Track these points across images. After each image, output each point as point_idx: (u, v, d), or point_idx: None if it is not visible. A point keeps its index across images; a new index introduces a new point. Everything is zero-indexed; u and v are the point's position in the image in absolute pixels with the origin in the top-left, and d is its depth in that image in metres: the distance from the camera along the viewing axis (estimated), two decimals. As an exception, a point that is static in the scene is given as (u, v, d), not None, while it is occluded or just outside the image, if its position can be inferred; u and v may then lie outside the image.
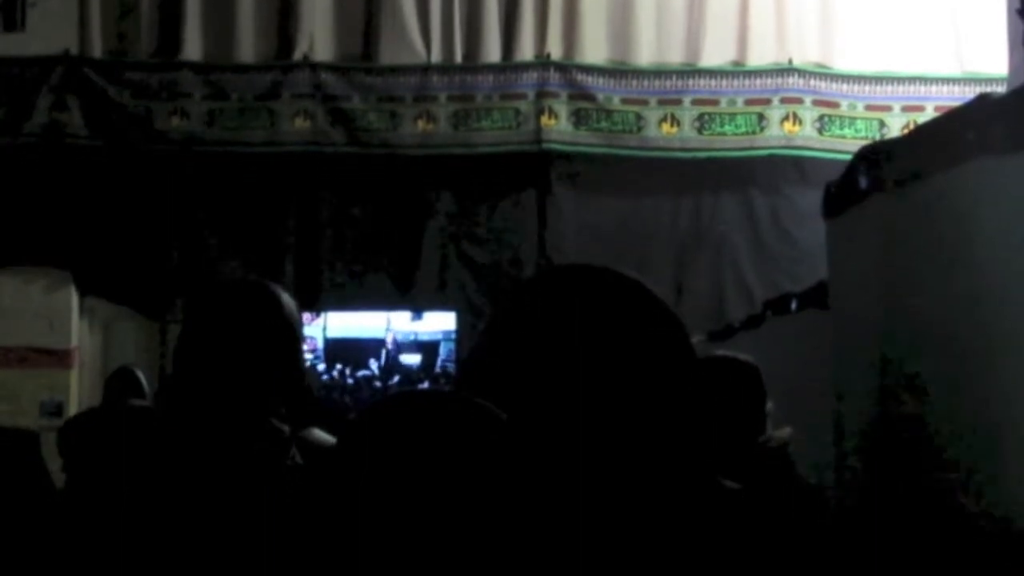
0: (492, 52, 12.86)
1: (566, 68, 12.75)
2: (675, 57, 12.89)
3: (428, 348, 12.92)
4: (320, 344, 13.03)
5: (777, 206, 12.57)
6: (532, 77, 12.74)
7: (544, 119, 12.66)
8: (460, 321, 12.38)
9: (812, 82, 12.73)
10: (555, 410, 1.98)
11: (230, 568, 2.72)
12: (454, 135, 12.67)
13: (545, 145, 12.62)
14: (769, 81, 12.72)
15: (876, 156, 6.42)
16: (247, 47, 12.83)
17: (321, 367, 12.81)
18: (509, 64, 12.82)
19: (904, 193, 5.86)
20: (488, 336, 2.11)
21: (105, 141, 12.45)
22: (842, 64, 12.81)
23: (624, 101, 12.71)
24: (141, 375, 8.45)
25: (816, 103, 12.71)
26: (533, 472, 1.95)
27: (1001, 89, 9.17)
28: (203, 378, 2.91)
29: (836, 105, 12.72)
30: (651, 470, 2.00)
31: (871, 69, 12.75)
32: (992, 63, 11.70)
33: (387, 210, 12.57)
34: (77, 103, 12.48)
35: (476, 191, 12.62)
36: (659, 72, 12.78)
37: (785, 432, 4.49)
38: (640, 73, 12.77)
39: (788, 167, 12.58)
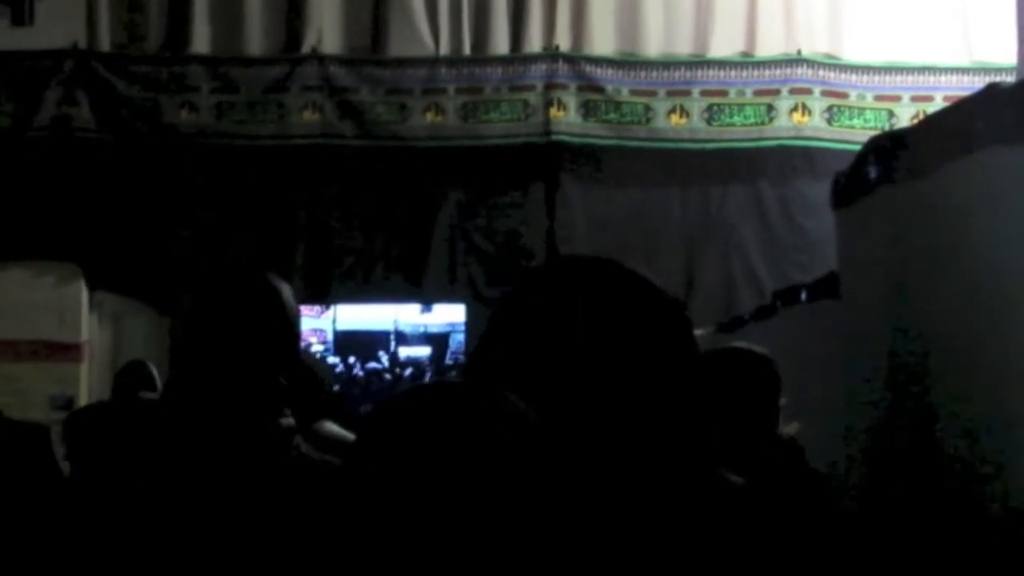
0: (501, 44, 12.86)
1: (575, 60, 12.74)
2: (684, 48, 12.88)
3: (438, 340, 12.93)
4: (330, 337, 13.05)
5: (786, 197, 12.55)
6: (541, 69, 12.74)
7: (553, 111, 12.65)
8: (469, 313, 12.38)
9: (821, 72, 12.71)
10: (557, 403, 1.98)
11: (233, 562, 2.72)
12: (463, 127, 12.67)
13: (554, 137, 12.62)
14: (778, 72, 12.71)
15: (885, 146, 6.41)
16: (255, 40, 12.84)
17: (332, 359, 12.83)
18: (518, 56, 12.82)
19: (913, 183, 5.85)
20: (491, 329, 2.11)
21: (114, 135, 12.46)
22: (851, 54, 12.79)
23: (633, 92, 12.71)
24: (153, 369, 8.45)
25: (825, 93, 12.69)
26: (538, 466, 1.95)
27: (1010, 79, 9.15)
28: (204, 372, 2.90)
29: (845, 95, 12.71)
30: (653, 463, 2.01)
31: (880, 59, 12.74)
32: (1001, 52, 11.68)
33: (396, 202, 12.58)
34: (86, 97, 12.49)
35: (485, 183, 12.61)
36: (668, 63, 12.77)
37: (793, 428, 4.49)
38: (649, 64, 12.76)
39: (797, 158, 12.57)
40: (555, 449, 1.96)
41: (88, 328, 12.27)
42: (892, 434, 6.02)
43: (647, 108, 12.68)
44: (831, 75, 12.72)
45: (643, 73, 12.74)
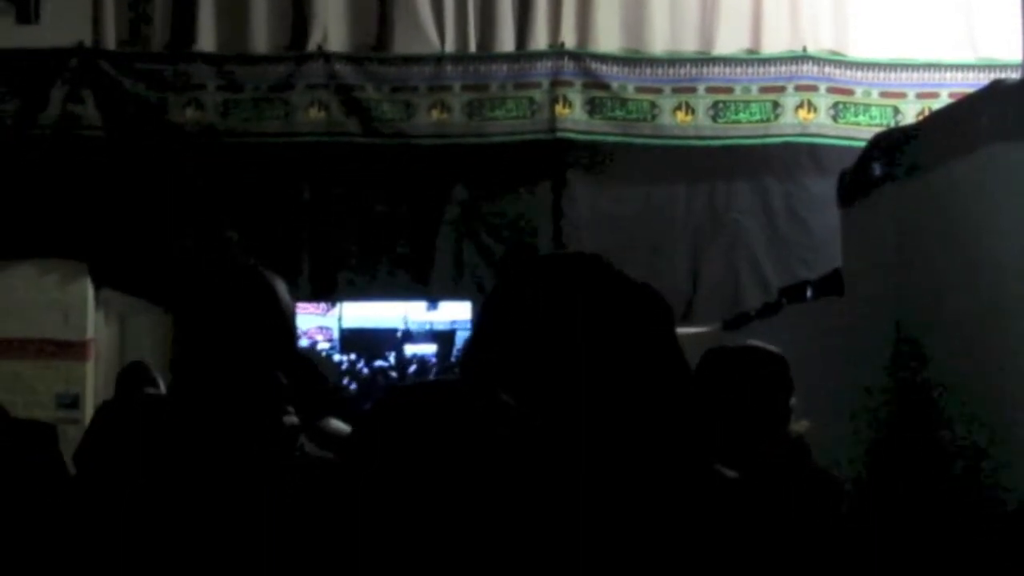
0: (506, 41, 12.85)
1: (580, 57, 12.73)
2: (689, 45, 12.87)
3: (444, 338, 12.94)
4: (336, 335, 13.05)
5: (792, 194, 12.54)
6: (546, 66, 12.73)
7: (558, 108, 12.65)
8: (475, 310, 12.38)
9: (826, 69, 12.70)
10: (547, 400, 1.98)
11: (236, 561, 2.73)
12: (468, 124, 12.66)
13: (560, 134, 12.61)
14: (783, 68, 12.70)
15: (891, 143, 6.41)
16: (261, 38, 12.84)
17: (338, 357, 12.83)
18: (523, 53, 12.81)
19: (919, 180, 5.86)
20: (480, 328, 2.11)
21: (119, 133, 12.46)
22: (856, 51, 12.78)
23: (638, 89, 12.70)
24: (153, 369, 8.44)
25: (830, 90, 12.68)
26: (526, 463, 1.96)
27: (1015, 75, 9.15)
28: (201, 370, 2.90)
29: (851, 92, 12.70)
30: (639, 457, 2.01)
31: (885, 56, 12.73)
32: (1006, 49, 11.67)
33: (402, 200, 12.57)
34: (91, 95, 12.49)
35: (491, 180, 12.60)
36: (673, 60, 12.76)
37: (802, 426, 4.49)
38: (654, 61, 12.75)
39: (803, 154, 12.56)
40: (550, 447, 1.96)
41: (94, 326, 12.27)
42: (896, 429, 6.02)
43: (653, 105, 12.67)
44: (837, 72, 12.71)
45: (649, 70, 12.73)
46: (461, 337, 12.71)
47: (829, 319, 7.33)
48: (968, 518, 5.14)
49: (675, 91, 12.69)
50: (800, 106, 12.64)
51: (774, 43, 12.76)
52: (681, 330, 2.20)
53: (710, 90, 12.69)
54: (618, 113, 12.66)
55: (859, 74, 12.71)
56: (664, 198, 12.63)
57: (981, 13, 12.61)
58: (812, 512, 4.07)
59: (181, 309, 3.01)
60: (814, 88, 12.67)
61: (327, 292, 12.60)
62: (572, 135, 12.62)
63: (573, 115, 12.64)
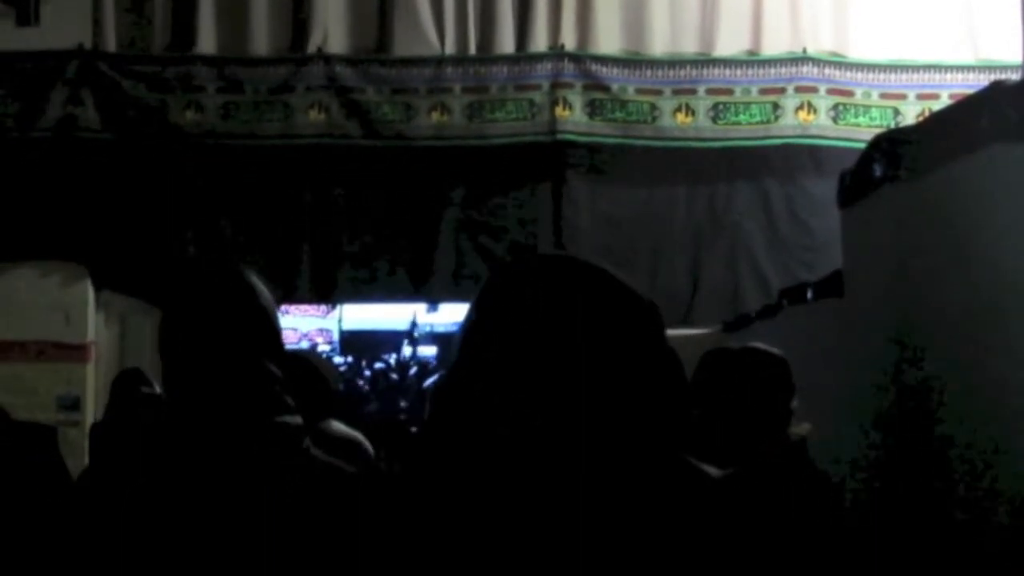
0: (506, 43, 12.86)
1: (580, 58, 12.73)
2: (689, 47, 12.87)
3: (444, 340, 12.95)
4: (336, 336, 13.08)
5: (792, 195, 12.54)
6: (546, 68, 12.73)
7: (558, 110, 12.65)
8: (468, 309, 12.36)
9: (826, 71, 12.70)
10: (540, 400, 1.99)
11: (239, 560, 2.73)
12: (468, 126, 12.66)
13: (560, 136, 12.61)
14: (783, 70, 12.70)
15: (891, 144, 6.41)
16: (261, 40, 12.84)
17: (337, 359, 12.85)
18: (523, 55, 12.81)
19: (919, 181, 5.86)
20: (472, 327, 2.12)
21: (119, 135, 12.46)
22: (856, 52, 12.78)
23: (638, 91, 12.70)
24: (149, 374, 8.42)
25: (831, 92, 12.68)
26: (527, 463, 1.97)
27: (1016, 76, 9.15)
28: (190, 368, 2.90)
29: (851, 93, 12.70)
30: (627, 457, 2.01)
31: (885, 57, 12.73)
32: (1007, 50, 11.67)
33: (402, 202, 12.57)
34: (91, 97, 12.49)
35: (491, 182, 12.60)
36: (673, 62, 12.76)
37: (804, 428, 4.48)
38: (654, 63, 12.75)
39: (803, 156, 12.56)
40: (549, 448, 1.96)
41: (94, 328, 12.27)
42: (896, 430, 6.02)
43: (653, 107, 12.67)
44: (837, 73, 12.71)
45: (649, 72, 12.73)
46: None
47: (829, 320, 7.33)
48: (968, 518, 5.14)
49: (675, 93, 12.69)
50: (800, 107, 12.64)
51: (774, 44, 12.77)
52: (681, 332, 2.22)
53: (710, 92, 12.70)
54: (618, 115, 12.66)
55: (859, 75, 12.71)
56: (664, 200, 12.63)
57: (981, 14, 12.61)
58: (810, 513, 4.07)
59: (164, 313, 3.02)
60: (814, 89, 12.67)
61: (327, 294, 12.61)
62: (572, 137, 12.62)
63: (573, 117, 12.64)
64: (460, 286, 12.54)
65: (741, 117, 12.67)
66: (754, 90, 12.71)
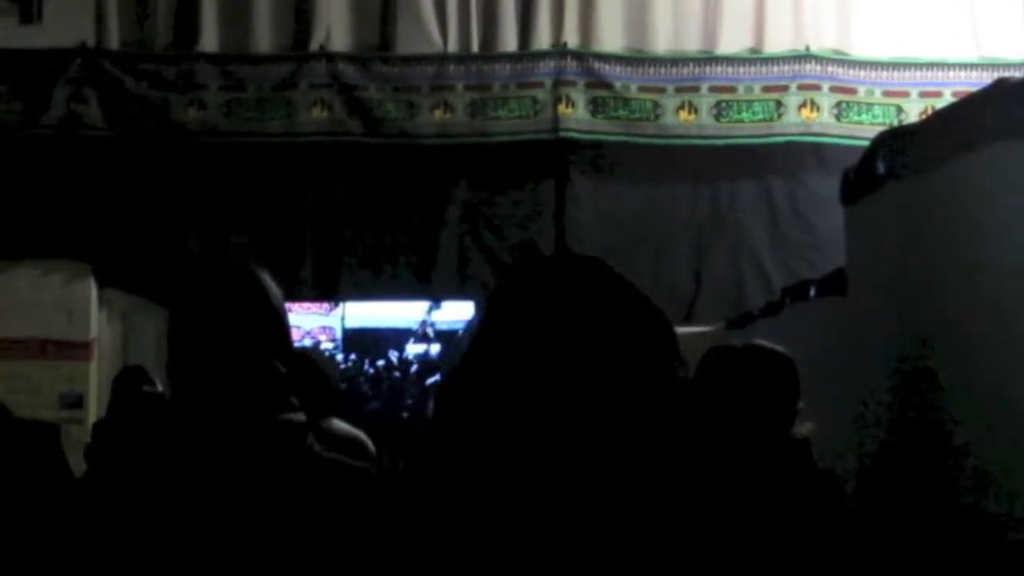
0: (509, 41, 12.85)
1: (583, 56, 12.73)
2: (692, 44, 12.87)
3: (447, 338, 12.93)
4: (339, 334, 13.06)
5: (795, 193, 12.54)
6: (549, 66, 12.73)
7: (561, 107, 12.64)
8: (475, 310, 12.36)
9: (829, 68, 12.70)
10: (549, 403, 1.98)
11: (241, 559, 2.72)
12: (471, 124, 12.66)
13: (563, 133, 12.61)
14: (786, 68, 12.70)
15: (894, 142, 6.41)
16: (264, 38, 12.84)
17: (340, 357, 12.84)
18: (526, 53, 12.81)
19: (922, 178, 5.85)
20: (482, 328, 2.11)
21: (122, 133, 12.47)
22: (859, 50, 12.78)
23: (641, 89, 12.70)
24: (151, 372, 8.42)
25: (833, 89, 12.68)
26: (527, 463, 1.97)
27: (1019, 74, 9.15)
28: (197, 365, 2.90)
29: (853, 91, 12.69)
30: (632, 460, 2.01)
31: (888, 55, 12.72)
32: (1010, 48, 11.68)
33: (405, 200, 12.57)
34: (94, 95, 12.50)
35: (494, 180, 12.60)
36: (676, 60, 12.76)
37: (807, 428, 4.47)
38: (657, 61, 12.75)
39: (806, 154, 12.56)
40: (550, 448, 1.96)
41: (97, 326, 12.28)
42: (898, 428, 6.02)
43: (656, 104, 12.67)
44: (839, 71, 12.70)
45: (652, 70, 12.73)
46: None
47: (832, 318, 7.33)
48: (968, 517, 5.14)
49: (678, 90, 12.69)
50: (803, 105, 12.64)
51: (777, 42, 12.76)
52: (684, 329, 2.21)
53: (713, 89, 12.69)
54: (621, 113, 12.66)
55: (862, 73, 12.70)
56: (667, 197, 12.63)
57: (984, 12, 12.60)
58: (813, 513, 4.06)
59: (173, 310, 3.01)
60: (817, 87, 12.67)
61: (330, 291, 12.61)
62: (575, 135, 12.62)
63: (576, 115, 12.64)
64: (463, 283, 12.54)
65: (744, 115, 12.67)
66: (757, 88, 12.70)
